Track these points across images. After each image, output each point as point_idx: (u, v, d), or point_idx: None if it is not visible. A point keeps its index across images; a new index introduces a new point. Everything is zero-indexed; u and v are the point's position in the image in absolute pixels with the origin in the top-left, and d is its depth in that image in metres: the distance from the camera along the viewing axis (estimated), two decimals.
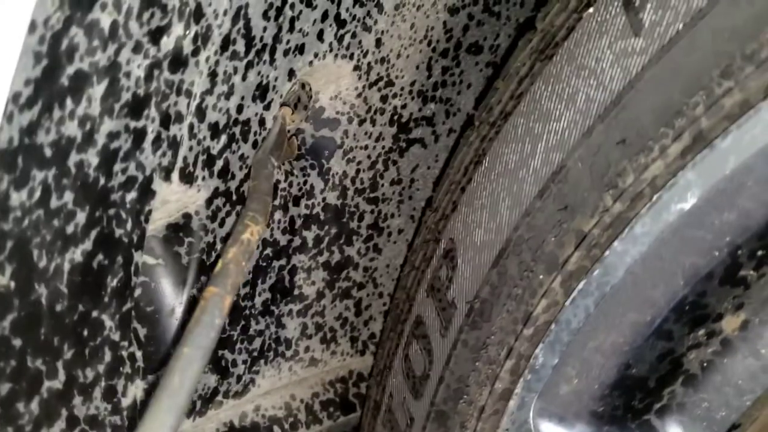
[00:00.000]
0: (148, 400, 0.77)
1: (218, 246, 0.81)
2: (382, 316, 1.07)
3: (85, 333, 0.66)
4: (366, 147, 0.93)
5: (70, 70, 0.55)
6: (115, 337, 0.70)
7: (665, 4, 0.56)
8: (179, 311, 0.79)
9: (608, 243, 0.61)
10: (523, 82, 0.68)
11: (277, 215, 0.89)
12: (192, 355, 0.56)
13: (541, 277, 0.65)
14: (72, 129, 0.56)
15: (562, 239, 0.63)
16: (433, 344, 0.75)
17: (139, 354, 0.74)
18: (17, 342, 0.58)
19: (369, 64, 0.87)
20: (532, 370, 0.67)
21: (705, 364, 0.65)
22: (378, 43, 0.85)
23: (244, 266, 0.63)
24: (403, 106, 0.94)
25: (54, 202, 0.57)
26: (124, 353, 0.72)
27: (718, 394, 0.66)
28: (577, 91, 0.62)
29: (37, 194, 0.55)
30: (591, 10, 0.62)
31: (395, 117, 0.94)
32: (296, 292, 0.95)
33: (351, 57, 0.84)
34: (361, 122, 0.91)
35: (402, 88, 0.92)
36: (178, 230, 0.78)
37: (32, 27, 0.50)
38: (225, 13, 0.67)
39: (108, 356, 0.69)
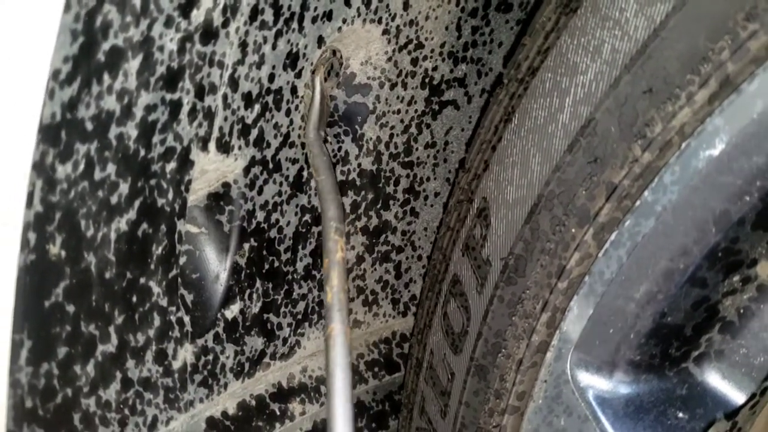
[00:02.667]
0: (197, 364, 0.81)
1: (257, 213, 0.83)
2: (422, 278, 1.08)
3: (134, 299, 0.69)
4: (399, 111, 0.94)
5: (105, 46, 0.57)
6: (163, 302, 0.73)
7: None
8: (223, 277, 0.81)
9: (638, 193, 0.61)
10: (550, 37, 0.68)
11: (314, 182, 0.91)
12: (343, 395, 0.61)
13: (573, 230, 0.66)
14: (111, 103, 0.59)
15: (593, 192, 0.64)
16: (470, 301, 0.76)
17: (187, 319, 0.77)
18: (71, 308, 0.61)
19: (398, 27, 0.87)
20: (568, 321, 0.68)
21: (741, 311, 0.65)
22: (406, 5, 0.86)
23: (347, 287, 0.67)
24: (434, 68, 0.94)
25: (98, 174, 0.60)
26: (173, 318, 0.75)
27: (756, 340, 0.66)
28: (602, 43, 0.62)
29: (81, 167, 0.58)
30: None
31: (427, 80, 0.94)
32: None
33: (379, 21, 0.85)
34: (393, 86, 0.92)
35: (432, 50, 0.93)
36: (219, 199, 0.80)
37: (67, 6, 0.52)
38: None
39: (157, 321, 0.72)
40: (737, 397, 0.67)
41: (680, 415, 0.67)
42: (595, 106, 0.62)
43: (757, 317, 0.65)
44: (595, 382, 0.68)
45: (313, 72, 0.83)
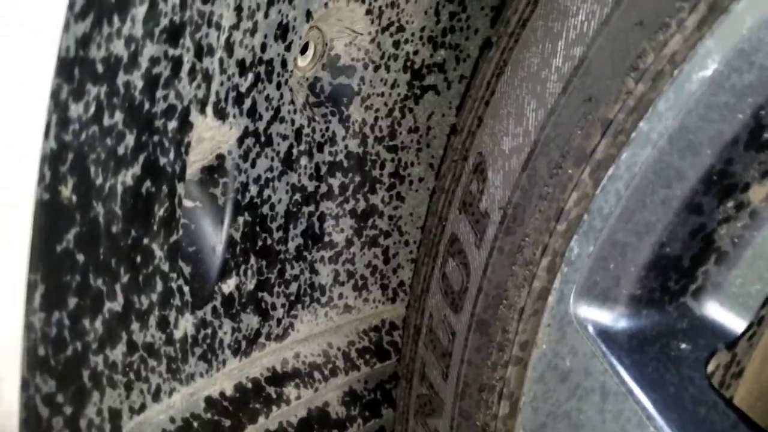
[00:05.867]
0: (197, 336, 0.80)
1: (251, 187, 0.84)
2: (409, 264, 1.09)
3: (138, 259, 0.68)
4: (382, 94, 0.96)
5: None
6: (165, 267, 0.72)
7: None
8: (219, 250, 0.81)
9: (633, 126, 0.64)
10: None
11: (303, 161, 0.92)
12: None
13: (570, 171, 0.68)
14: (119, 48, 0.59)
15: (589, 130, 0.66)
16: (469, 257, 0.77)
17: (186, 289, 0.77)
18: (80, 257, 0.60)
19: (380, 8, 0.90)
20: (568, 262, 0.69)
21: (736, 240, 0.67)
22: None
23: None
24: (415, 53, 0.97)
25: (107, 120, 0.60)
26: (174, 285, 0.74)
27: (750, 269, 0.68)
28: None
29: (92, 109, 0.58)
30: None
31: (408, 63, 0.97)
32: (326, 239, 0.98)
33: (363, 0, 0.87)
34: (376, 68, 0.94)
35: (413, 34, 0.95)
36: (213, 172, 0.80)
37: None
38: None
39: (159, 285, 0.72)
40: (737, 325, 0.69)
41: (683, 346, 0.69)
42: (588, 46, 0.65)
43: (750, 245, 0.67)
44: (598, 318, 0.69)
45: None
